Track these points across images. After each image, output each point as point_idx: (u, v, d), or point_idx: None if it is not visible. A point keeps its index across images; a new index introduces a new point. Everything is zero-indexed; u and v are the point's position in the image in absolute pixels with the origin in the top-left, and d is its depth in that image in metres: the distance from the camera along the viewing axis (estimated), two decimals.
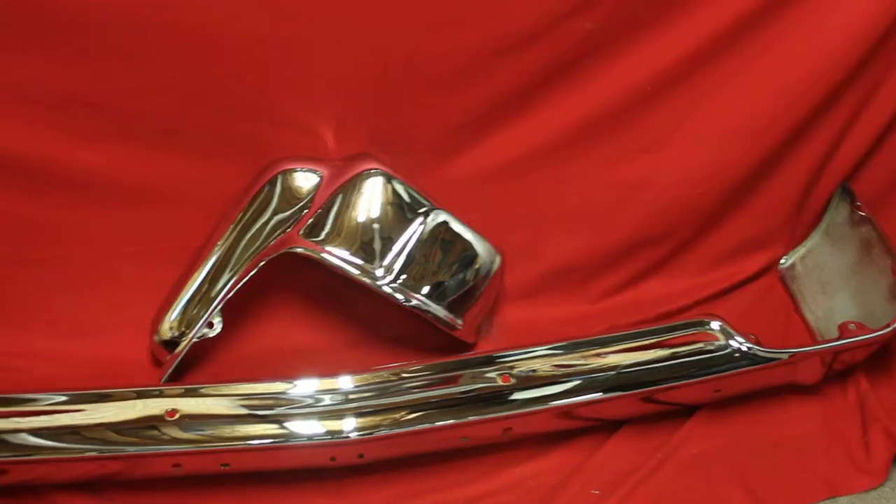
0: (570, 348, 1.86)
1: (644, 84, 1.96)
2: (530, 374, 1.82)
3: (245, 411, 1.75)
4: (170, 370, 1.91)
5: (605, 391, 1.81)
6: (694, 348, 1.85)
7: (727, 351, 1.83)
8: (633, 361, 1.84)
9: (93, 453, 1.69)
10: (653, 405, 1.84)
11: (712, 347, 1.83)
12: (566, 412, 1.80)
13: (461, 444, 1.79)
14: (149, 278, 1.96)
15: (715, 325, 1.85)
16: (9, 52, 1.77)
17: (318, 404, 1.77)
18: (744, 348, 1.82)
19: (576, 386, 1.80)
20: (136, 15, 1.76)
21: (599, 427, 1.84)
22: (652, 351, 1.85)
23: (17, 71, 1.79)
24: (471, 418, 1.76)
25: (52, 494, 1.73)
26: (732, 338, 1.83)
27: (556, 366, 1.83)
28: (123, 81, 1.82)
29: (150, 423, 1.72)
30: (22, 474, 1.71)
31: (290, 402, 1.77)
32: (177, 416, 1.73)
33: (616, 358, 1.84)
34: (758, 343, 1.83)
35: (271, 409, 1.75)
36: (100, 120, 1.85)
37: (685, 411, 1.87)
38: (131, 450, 1.69)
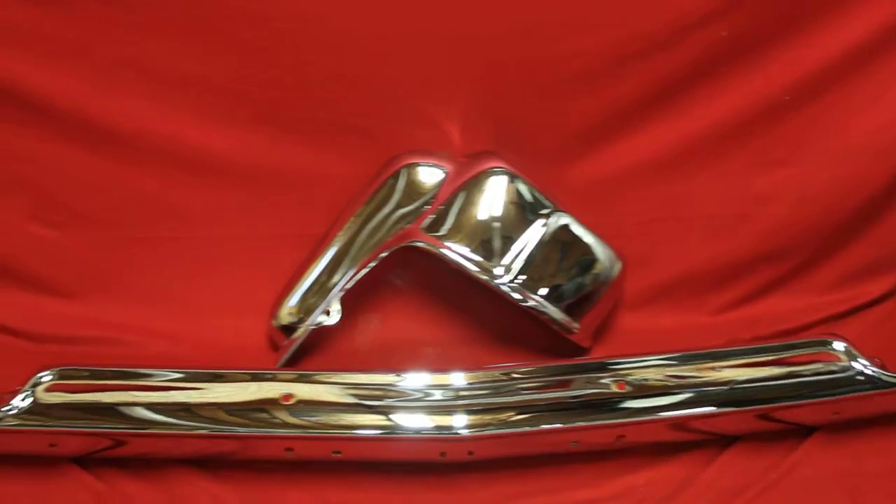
0: (686, 360, 1.83)
1: (779, 95, 1.93)
2: (646, 382, 1.80)
3: (357, 401, 1.76)
4: (286, 355, 1.94)
5: (718, 405, 1.78)
6: (814, 368, 1.80)
7: (850, 373, 1.78)
8: (748, 377, 1.80)
9: (204, 431, 1.72)
10: (768, 423, 1.80)
11: (834, 368, 1.79)
12: (679, 424, 1.78)
13: (571, 448, 1.78)
14: (270, 263, 1.99)
15: (838, 345, 1.81)
16: (149, 36, 1.83)
17: (430, 398, 1.77)
18: (868, 371, 1.77)
19: (689, 398, 1.78)
20: (275, 7, 1.81)
21: (712, 441, 1.81)
22: (769, 368, 1.81)
23: (155, 54, 1.85)
24: (584, 423, 1.75)
25: (167, 469, 1.76)
26: (856, 360, 1.79)
27: (670, 376, 1.81)
28: (259, 71, 1.87)
29: (265, 406, 1.74)
30: (139, 447, 1.74)
31: (402, 394, 1.77)
32: (292, 400, 1.75)
33: (731, 373, 1.81)
34: (882, 367, 1.78)
35: (383, 399, 1.76)
36: (234, 106, 1.90)
37: (802, 431, 1.82)
38: (244, 430, 1.72)
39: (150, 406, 1.73)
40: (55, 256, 1.98)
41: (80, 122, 1.88)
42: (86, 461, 1.75)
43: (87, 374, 1.77)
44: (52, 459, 1.74)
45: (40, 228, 1.96)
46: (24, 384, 1.72)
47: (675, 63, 1.90)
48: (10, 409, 1.69)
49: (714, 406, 1.77)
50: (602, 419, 1.76)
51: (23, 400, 1.71)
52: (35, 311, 1.98)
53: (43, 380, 1.73)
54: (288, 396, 1.75)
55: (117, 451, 1.74)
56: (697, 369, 1.82)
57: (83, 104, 1.87)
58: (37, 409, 1.70)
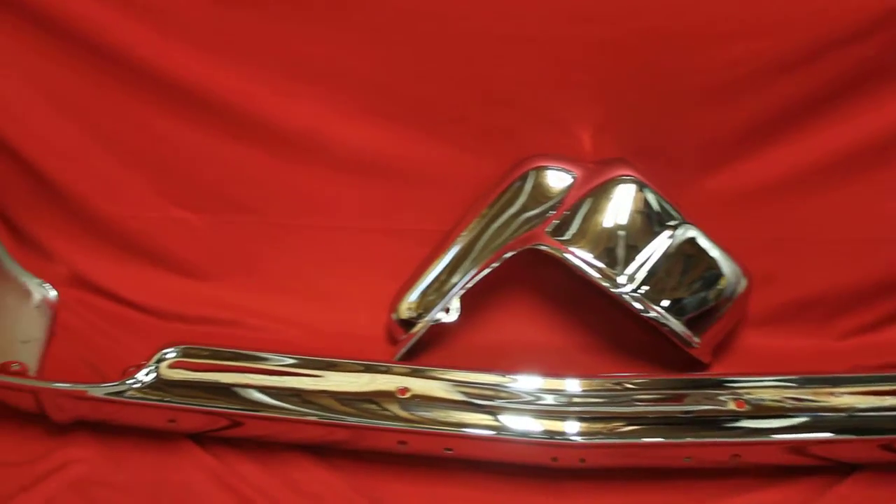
0: (806, 383, 1.79)
1: None
2: (763, 402, 1.76)
3: (470, 399, 1.76)
4: (404, 349, 1.95)
5: (836, 432, 1.74)
6: None
7: None
8: (870, 405, 1.75)
9: (313, 418, 1.74)
10: (890, 454, 1.75)
11: None
12: (797, 448, 1.75)
13: (683, 464, 1.76)
14: (395, 257, 2.01)
15: None
16: (300, 28, 1.87)
17: (542, 402, 1.77)
18: None
19: (806, 422, 1.74)
20: (427, 5, 1.84)
21: (831, 468, 1.77)
22: (893, 398, 1.76)
23: (306, 46, 1.89)
24: (699, 439, 1.73)
25: (281, 453, 1.79)
26: None
27: (789, 398, 1.77)
28: (407, 67, 1.90)
29: (378, 398, 1.76)
30: (254, 429, 1.77)
31: (515, 396, 1.77)
32: (408, 394, 1.76)
33: (852, 399, 1.76)
34: None
35: (494, 400, 1.76)
36: (380, 102, 1.93)
37: None
38: (359, 421, 1.73)
39: (264, 389, 1.76)
40: (190, 238, 2.04)
41: (232, 112, 1.93)
42: (203, 439, 1.79)
43: (207, 353, 1.81)
44: (171, 435, 1.79)
45: (179, 210, 2.02)
46: (148, 360, 1.77)
47: (815, 80, 1.86)
48: (134, 383, 1.74)
49: (832, 432, 1.74)
50: (717, 437, 1.74)
51: (147, 375, 1.75)
52: (166, 290, 2.04)
53: (167, 356, 1.78)
54: (404, 390, 1.76)
55: (233, 431, 1.77)
56: (817, 393, 1.78)
57: (233, 92, 1.92)
58: (159, 385, 1.75)
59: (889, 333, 2.00)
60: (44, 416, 1.77)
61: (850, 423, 1.74)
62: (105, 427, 1.79)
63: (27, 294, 1.97)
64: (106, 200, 2.01)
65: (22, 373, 1.79)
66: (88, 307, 2.01)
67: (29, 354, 1.88)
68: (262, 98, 1.93)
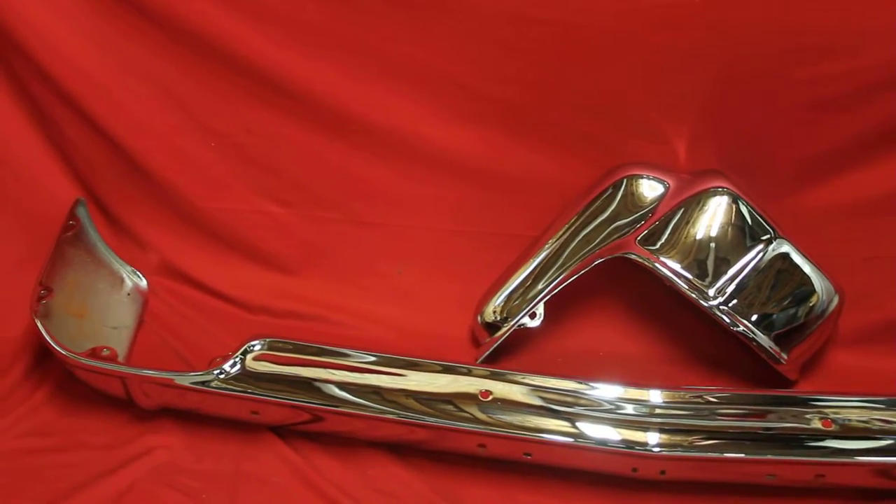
0: (894, 405, 1.76)
1: None
2: (851, 422, 1.73)
3: (552, 405, 1.76)
4: (487, 352, 1.95)
5: None
6: None
7: None
8: None
9: (391, 416, 1.75)
10: None
11: None
12: (884, 470, 1.71)
13: (766, 481, 1.74)
14: (481, 260, 2.02)
15: None
16: (398, 29, 1.90)
17: (622, 412, 1.76)
18: None
19: (893, 445, 1.71)
20: (521, 8, 1.84)
21: None
22: None
23: (403, 47, 1.91)
24: (783, 457, 1.70)
25: (360, 450, 1.80)
26: None
27: (876, 420, 1.74)
28: (497, 69, 1.91)
29: (459, 400, 1.76)
30: (335, 425, 1.78)
31: (594, 403, 1.77)
32: (490, 397, 1.76)
33: None
34: None
35: (577, 407, 1.76)
36: (471, 103, 1.94)
37: None
38: (440, 422, 1.74)
39: (344, 385, 1.78)
40: (279, 232, 2.06)
41: (320, 107, 1.96)
42: (284, 432, 1.81)
43: (292, 347, 1.82)
44: (253, 426, 1.80)
45: (269, 204, 2.05)
46: (235, 351, 1.79)
47: None
48: (220, 373, 1.76)
49: None
50: (801, 455, 1.71)
51: (232, 366, 1.77)
52: (254, 282, 2.06)
53: (253, 348, 1.80)
54: (486, 393, 1.76)
55: (314, 426, 1.79)
56: None
57: (328, 90, 1.95)
58: (244, 376, 1.77)
59: None
60: (131, 402, 1.81)
61: None
62: (189, 415, 1.81)
63: (119, 281, 2.00)
64: (199, 192, 2.04)
65: (111, 358, 1.82)
66: (178, 296, 2.05)
67: (118, 341, 1.91)
68: (358, 97, 1.95)
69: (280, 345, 1.82)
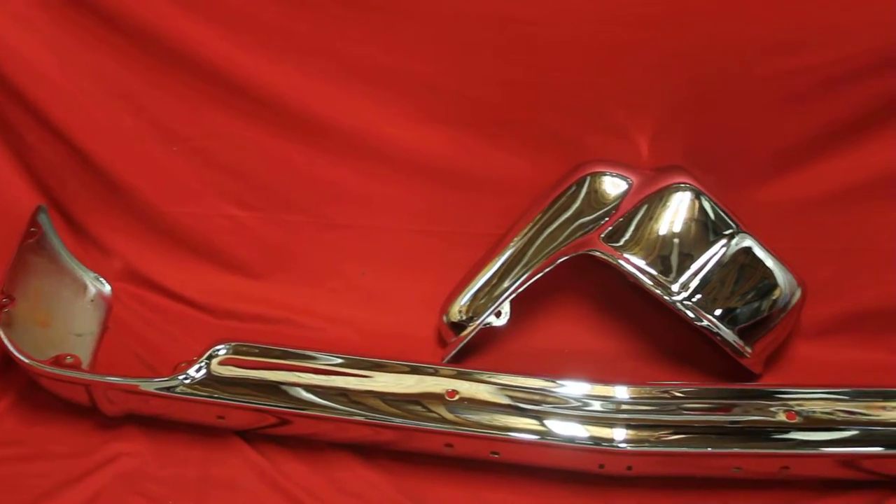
0: (858, 396, 1.78)
1: None
2: (813, 415, 1.75)
3: (519, 404, 1.76)
4: (453, 352, 1.95)
5: (886, 447, 1.72)
6: None
7: None
8: None
9: (360, 418, 1.74)
10: None
11: None
12: (847, 461, 1.73)
13: (732, 474, 1.74)
14: (446, 259, 2.02)
15: None
16: (361, 30, 1.89)
17: (589, 408, 1.77)
18: None
19: (856, 436, 1.73)
20: (489, 8, 1.84)
21: (882, 483, 1.75)
22: None
23: (366, 48, 1.90)
24: (748, 450, 1.71)
25: (327, 453, 1.80)
26: None
27: (840, 411, 1.76)
28: (463, 69, 1.90)
29: (426, 400, 1.76)
30: (301, 427, 1.78)
31: (561, 401, 1.78)
32: (456, 397, 1.76)
33: None
34: None
35: (543, 405, 1.77)
36: (433, 102, 1.94)
37: None
38: (406, 423, 1.74)
39: (311, 388, 1.78)
40: (244, 236, 2.05)
41: (284, 109, 1.95)
42: (250, 436, 1.80)
43: (257, 351, 1.82)
44: (219, 431, 1.80)
45: (233, 208, 2.04)
46: (200, 356, 1.78)
47: (879, 91, 1.85)
48: (185, 378, 1.76)
49: (882, 447, 1.72)
50: (766, 448, 1.72)
51: (197, 371, 1.77)
52: (219, 287, 2.06)
53: (218, 353, 1.80)
54: (453, 392, 1.76)
55: (280, 429, 1.79)
56: (869, 407, 1.76)
57: (292, 93, 1.94)
58: (209, 381, 1.77)
59: None
60: (95, 410, 1.80)
61: None
62: (155, 421, 1.81)
63: (82, 288, 1.99)
64: (162, 197, 2.03)
65: (75, 366, 1.80)
66: (142, 302, 2.04)
67: (82, 348, 1.90)
68: (323, 99, 1.95)
69: (245, 349, 1.82)
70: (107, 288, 2.01)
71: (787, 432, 1.74)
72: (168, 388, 1.75)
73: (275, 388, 1.78)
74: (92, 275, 2.01)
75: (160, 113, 1.98)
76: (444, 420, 1.74)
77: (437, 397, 1.76)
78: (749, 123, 1.90)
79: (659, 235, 1.85)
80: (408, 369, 1.82)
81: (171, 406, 1.77)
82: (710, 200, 1.85)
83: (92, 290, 2.00)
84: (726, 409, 1.78)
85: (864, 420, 1.75)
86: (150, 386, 1.75)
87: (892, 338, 1.98)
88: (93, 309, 1.99)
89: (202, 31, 1.90)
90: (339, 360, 1.82)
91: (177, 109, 1.97)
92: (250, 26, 1.90)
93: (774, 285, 1.86)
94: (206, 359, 1.78)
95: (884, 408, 1.76)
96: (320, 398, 1.77)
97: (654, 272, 1.85)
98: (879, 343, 1.98)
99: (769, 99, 1.87)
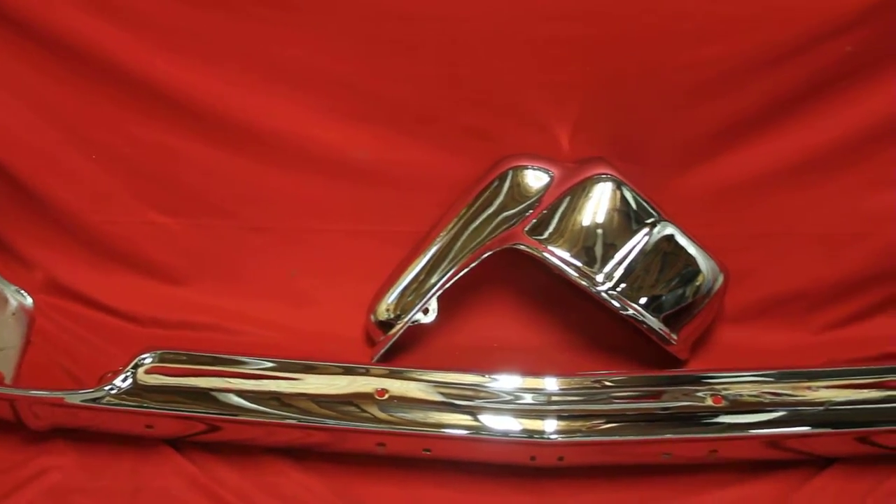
0: (783, 377, 1.80)
1: None
2: (741, 398, 1.77)
3: (448, 400, 1.77)
4: (382, 350, 1.95)
5: (813, 426, 1.75)
6: None
7: None
8: (846, 399, 1.77)
9: (293, 421, 1.74)
10: (866, 447, 1.76)
11: None
12: (774, 442, 1.75)
13: (662, 460, 1.76)
14: (372, 258, 2.01)
15: None
16: (278, 30, 1.87)
17: (521, 402, 1.77)
18: None
19: (784, 417, 1.75)
20: (405, 5, 1.84)
21: (808, 461, 1.78)
22: (868, 391, 1.78)
23: (283, 48, 1.89)
24: (677, 435, 1.73)
25: (259, 457, 1.79)
26: None
27: (766, 393, 1.78)
28: (382, 67, 1.90)
29: (357, 400, 1.76)
30: (232, 433, 1.77)
31: (493, 395, 1.78)
32: (386, 395, 1.76)
33: (829, 393, 1.77)
34: None
35: (473, 400, 1.77)
36: (354, 102, 1.93)
37: None
38: (338, 423, 1.73)
39: (242, 393, 1.76)
40: (168, 242, 2.03)
41: (203, 113, 1.93)
42: (180, 444, 1.79)
43: (185, 358, 1.80)
44: (148, 440, 1.78)
45: (156, 214, 2.02)
46: (125, 365, 1.76)
47: (793, 77, 1.87)
48: (111, 389, 1.74)
49: (809, 426, 1.75)
50: (695, 433, 1.74)
51: (123, 381, 1.75)
52: (144, 295, 2.03)
53: (144, 362, 1.77)
54: (382, 391, 1.76)
55: (211, 436, 1.77)
56: (794, 388, 1.79)
57: (210, 95, 1.92)
58: (136, 391, 1.75)
59: (864, 327, 2.01)
60: (21, 425, 1.77)
61: (826, 416, 1.75)
62: (82, 434, 1.79)
63: (3, 301, 1.95)
64: (82, 205, 2.00)
65: None
66: (65, 314, 2.01)
67: (5, 362, 1.87)
68: (239, 101, 1.93)
69: (172, 356, 1.80)
70: (28, 300, 1.98)
71: (715, 416, 1.75)
72: (94, 400, 1.73)
73: (205, 395, 1.76)
74: (13, 288, 1.97)
75: (77, 121, 1.95)
76: (375, 419, 1.74)
77: (367, 397, 1.76)
78: (666, 113, 1.91)
79: (582, 227, 1.87)
80: (340, 370, 1.81)
81: (99, 417, 1.75)
82: (631, 190, 1.87)
83: (13, 303, 1.96)
84: (655, 397, 1.79)
85: (790, 401, 1.77)
86: (75, 398, 1.73)
87: (813, 319, 2.02)
88: (14, 322, 1.95)
89: (118, 36, 1.87)
90: (270, 364, 1.81)
91: (94, 117, 1.95)
92: (166, 30, 1.88)
93: (697, 272, 1.88)
94: (132, 368, 1.76)
95: (809, 388, 1.78)
96: (252, 403, 1.75)
97: (578, 263, 1.86)
98: (801, 325, 2.02)
99: (685, 89, 1.89)
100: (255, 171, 1.98)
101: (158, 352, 1.79)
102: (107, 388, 1.74)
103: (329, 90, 1.92)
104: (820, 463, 1.79)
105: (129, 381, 1.75)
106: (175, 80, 1.91)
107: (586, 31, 1.85)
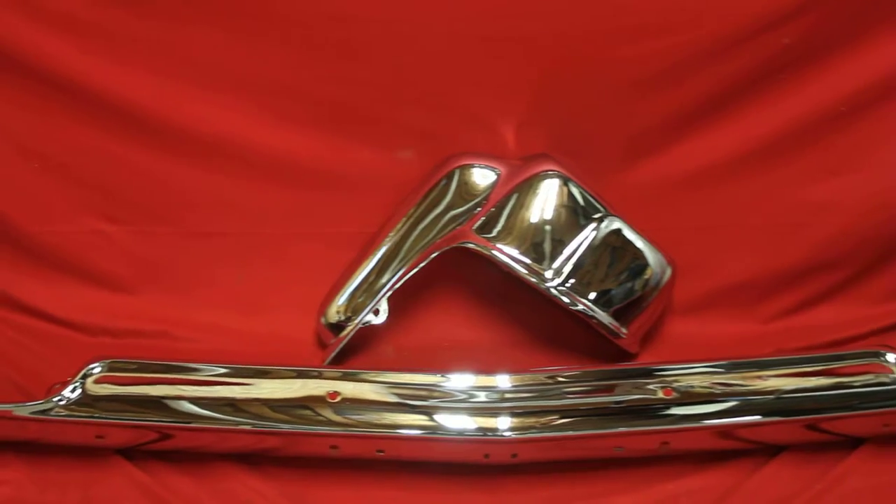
0: (733, 368, 1.82)
1: (837, 104, 1.91)
2: (692, 389, 1.78)
3: (402, 400, 1.76)
4: (333, 353, 1.94)
5: (763, 415, 1.76)
6: (864, 380, 1.77)
7: None
8: (795, 387, 1.78)
9: (248, 427, 1.73)
10: (815, 433, 1.78)
11: (885, 380, 1.76)
12: (725, 432, 1.76)
13: (615, 453, 1.77)
14: (321, 261, 2.01)
15: (890, 357, 1.78)
16: (217, 34, 1.87)
17: (474, 400, 1.77)
18: None
19: (735, 407, 1.76)
20: (343, 7, 1.84)
21: (759, 450, 1.80)
22: (817, 378, 1.79)
23: (223, 53, 1.88)
24: (628, 428, 1.74)
25: (212, 464, 1.78)
26: None
27: (717, 384, 1.79)
28: (323, 69, 1.89)
29: (310, 403, 1.75)
30: (184, 441, 1.76)
31: (446, 395, 1.78)
32: (338, 398, 1.75)
33: (778, 382, 1.78)
34: None
35: (427, 400, 1.77)
36: (296, 105, 1.93)
37: (850, 443, 1.80)
38: (289, 427, 1.73)
39: (196, 400, 1.75)
40: (113, 250, 2.02)
41: (144, 119, 1.92)
42: (132, 453, 1.77)
43: (135, 367, 1.79)
44: (99, 451, 1.76)
45: (99, 223, 2.00)
46: (74, 376, 1.74)
47: (733, 69, 1.89)
48: (60, 400, 1.72)
49: (760, 415, 1.76)
50: (646, 425, 1.75)
51: (72, 391, 1.73)
52: (91, 305, 2.02)
53: (93, 372, 1.76)
54: (334, 394, 1.76)
55: (163, 444, 1.76)
56: (744, 378, 1.80)
57: (150, 101, 1.91)
58: (85, 401, 1.73)
59: (811, 316, 2.04)
60: None
61: (777, 405, 1.76)
62: (32, 447, 1.76)
63: None
64: (25, 216, 1.98)
65: None
66: (11, 325, 1.99)
67: None
68: (181, 108, 1.92)
69: (121, 365, 1.78)
70: None
71: (666, 408, 1.76)
72: (43, 412, 1.71)
73: (156, 403, 1.74)
74: None
75: (17, 130, 1.94)
76: (328, 422, 1.73)
77: (319, 400, 1.75)
78: (609, 108, 1.92)
79: (530, 224, 1.87)
80: (293, 374, 1.80)
81: (48, 429, 1.73)
82: (577, 186, 1.88)
83: None
84: (606, 391, 1.80)
85: (740, 391, 1.78)
86: (24, 411, 1.71)
87: (760, 309, 2.04)
88: None
89: (57, 44, 1.86)
90: (223, 370, 1.80)
91: (34, 126, 1.93)
92: (106, 37, 1.86)
93: (645, 266, 1.89)
94: (81, 378, 1.74)
95: (759, 377, 1.79)
96: (205, 409, 1.74)
97: (527, 260, 1.86)
98: (749, 315, 2.04)
99: (628, 83, 1.90)
100: (198, 177, 1.97)
101: (107, 361, 1.77)
102: (55, 399, 1.72)
103: (271, 94, 1.92)
104: (770, 451, 1.80)
105: (79, 391, 1.73)
106: (116, 87, 1.89)
107: (529, 28, 1.86)
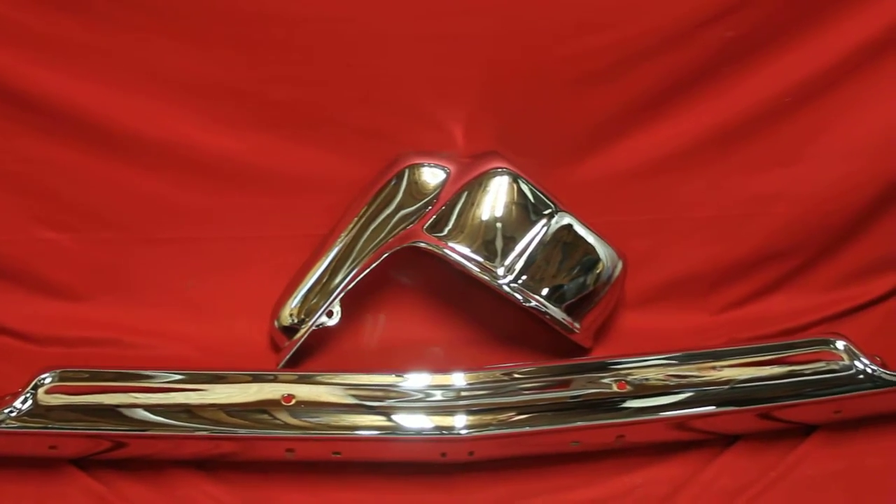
0: (687, 359, 1.83)
1: (782, 95, 1.93)
2: (646, 382, 1.79)
3: (358, 401, 1.76)
4: (287, 356, 1.94)
5: (718, 405, 1.77)
6: (815, 367, 1.79)
7: (850, 372, 1.78)
8: (748, 377, 1.80)
9: (204, 433, 1.72)
10: (769, 422, 1.80)
11: (835, 367, 1.78)
12: (680, 423, 1.78)
13: (572, 448, 1.78)
14: (273, 264, 2.00)
15: (839, 344, 1.80)
16: (160, 39, 1.85)
17: (430, 399, 1.77)
18: (868, 370, 1.77)
19: (689, 398, 1.78)
20: (288, 8, 1.82)
21: (713, 440, 1.81)
22: (770, 367, 1.81)
23: (167, 56, 1.86)
24: (584, 423, 1.75)
25: (167, 471, 1.76)
26: (857, 359, 1.78)
27: (671, 376, 1.81)
28: (269, 71, 1.88)
29: (265, 407, 1.74)
30: (139, 449, 1.74)
31: (403, 395, 1.77)
32: (293, 401, 1.75)
33: (731, 372, 1.80)
34: (884, 366, 1.77)
35: (384, 400, 1.76)
36: (242, 108, 1.91)
37: (802, 431, 1.82)
38: (244, 432, 1.72)
39: (151, 408, 1.73)
40: (61, 259, 1.99)
41: (90, 125, 1.90)
42: (86, 463, 1.76)
43: (87, 375, 1.77)
44: (52, 461, 1.75)
45: (47, 231, 1.98)
46: (24, 387, 1.72)
47: (678, 63, 1.90)
48: (10, 411, 1.70)
49: (714, 405, 1.77)
50: (602, 419, 1.76)
51: (23, 402, 1.71)
52: (41, 314, 2.00)
53: (44, 382, 1.73)
54: (289, 397, 1.75)
55: (117, 452, 1.74)
56: (698, 369, 1.81)
57: (95, 107, 1.89)
58: (37, 412, 1.71)
59: (761, 306, 2.07)
60: None
61: (731, 395, 1.78)
62: None
63: None
64: None
65: None
66: None
67: None
68: (125, 112, 1.90)
69: (73, 374, 1.76)
70: None
71: (621, 402, 1.77)
72: None
73: (110, 412, 1.72)
74: None
75: None
76: (281, 426, 1.72)
77: (273, 403, 1.74)
78: (556, 104, 1.93)
79: (481, 221, 1.88)
80: (249, 379, 1.78)
81: (0, 442, 1.71)
82: (527, 183, 1.88)
83: None
84: (561, 386, 1.80)
85: (694, 382, 1.79)
86: None
87: (712, 300, 2.06)
88: None
89: None
90: (178, 376, 1.78)
91: None
92: (48, 43, 1.84)
93: (596, 260, 1.90)
94: (32, 389, 1.72)
95: (712, 368, 1.81)
96: (161, 417, 1.72)
97: (479, 258, 1.87)
98: (701, 306, 2.06)
99: (573, 79, 1.91)
100: (144, 183, 1.95)
101: (58, 370, 1.75)
102: (6, 410, 1.69)
103: (218, 98, 1.90)
104: (725, 441, 1.81)
105: (30, 402, 1.71)
106: (61, 94, 1.87)
107: (474, 26, 1.86)
